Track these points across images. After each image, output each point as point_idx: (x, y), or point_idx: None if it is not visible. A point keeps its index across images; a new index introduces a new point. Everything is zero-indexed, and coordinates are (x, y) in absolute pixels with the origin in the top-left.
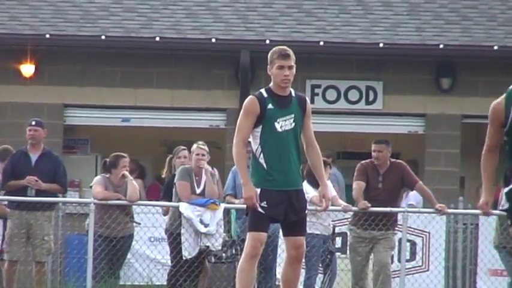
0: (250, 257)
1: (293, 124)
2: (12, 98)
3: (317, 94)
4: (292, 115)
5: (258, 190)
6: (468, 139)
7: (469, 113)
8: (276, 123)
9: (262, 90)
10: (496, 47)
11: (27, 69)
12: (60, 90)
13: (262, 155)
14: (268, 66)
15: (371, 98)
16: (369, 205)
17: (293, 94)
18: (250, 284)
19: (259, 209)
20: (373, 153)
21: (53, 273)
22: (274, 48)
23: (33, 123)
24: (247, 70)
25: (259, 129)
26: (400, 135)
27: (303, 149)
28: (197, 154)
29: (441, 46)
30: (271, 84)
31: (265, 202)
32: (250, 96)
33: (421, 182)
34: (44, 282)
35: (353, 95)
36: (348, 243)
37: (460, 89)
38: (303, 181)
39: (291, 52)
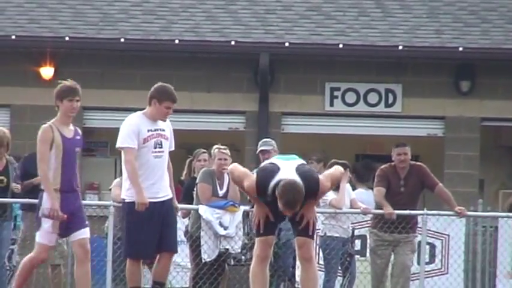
0: (260, 260)
1: None
2: (31, 100)
3: (336, 97)
4: None
5: None
6: (487, 142)
7: (489, 116)
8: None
9: None
10: None
11: (47, 71)
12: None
13: None
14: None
15: (390, 100)
16: (395, 212)
17: None
18: (264, 286)
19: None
20: (397, 157)
21: (72, 275)
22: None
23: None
24: (266, 73)
25: None
26: (419, 138)
27: None
28: (219, 159)
29: (460, 49)
30: None
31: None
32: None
33: (441, 184)
34: (61, 285)
35: (372, 98)
36: (369, 246)
37: (480, 91)
38: None
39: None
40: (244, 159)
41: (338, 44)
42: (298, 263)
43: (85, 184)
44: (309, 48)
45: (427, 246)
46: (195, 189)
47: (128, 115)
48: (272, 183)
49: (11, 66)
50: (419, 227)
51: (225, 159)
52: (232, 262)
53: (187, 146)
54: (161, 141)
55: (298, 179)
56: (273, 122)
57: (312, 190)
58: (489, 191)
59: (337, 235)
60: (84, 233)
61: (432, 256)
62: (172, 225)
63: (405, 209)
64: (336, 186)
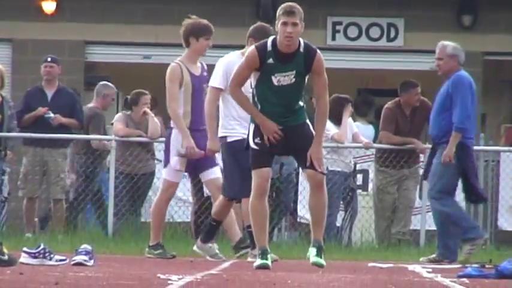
0: (258, 195)
1: (293, 80)
2: (33, 35)
3: (338, 31)
4: (294, 71)
5: (253, 125)
6: (489, 76)
7: (491, 50)
8: (273, 77)
9: (269, 42)
10: None
11: (49, 6)
12: (82, 27)
13: (256, 97)
14: (276, 22)
15: (392, 34)
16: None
17: (301, 49)
18: (265, 220)
19: (254, 146)
20: (415, 97)
21: (71, 210)
22: (282, 4)
23: (49, 59)
24: (268, 7)
25: (257, 74)
26: (421, 72)
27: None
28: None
29: None
30: (278, 38)
31: (258, 138)
32: (252, 48)
33: None
34: (63, 220)
35: (374, 32)
36: (376, 184)
37: (482, 26)
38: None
39: (297, 9)
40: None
41: None
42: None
43: None
44: None
45: None
46: None
47: (129, 49)
48: (270, 38)
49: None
50: (421, 161)
51: None
52: None
53: None
54: None
55: None
56: None
57: (310, 54)
58: (491, 125)
59: (339, 169)
60: (214, 173)
61: None
62: None
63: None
64: (338, 120)
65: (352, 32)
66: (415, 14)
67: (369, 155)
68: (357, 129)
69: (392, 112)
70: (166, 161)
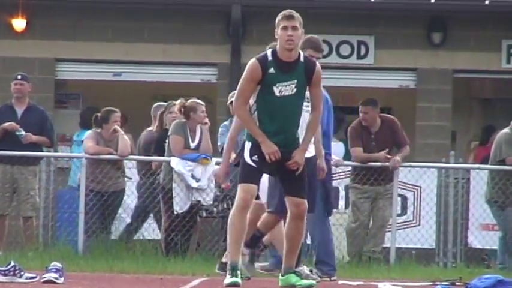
0: (240, 209)
1: (294, 90)
2: (3, 52)
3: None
4: (295, 81)
5: (249, 144)
6: (459, 93)
7: (461, 68)
8: (274, 88)
9: (268, 52)
10: (487, 1)
11: (19, 23)
12: (52, 44)
13: (256, 112)
14: (276, 30)
15: (362, 52)
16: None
17: (301, 59)
18: (241, 235)
19: (250, 162)
20: (360, 114)
21: (44, 227)
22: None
23: (19, 77)
24: (238, 25)
25: (258, 88)
26: (391, 90)
27: None
28: (202, 111)
29: (432, 0)
30: (278, 47)
31: (256, 156)
32: (253, 60)
33: (408, 147)
34: (33, 237)
35: (344, 50)
36: (350, 201)
37: (452, 43)
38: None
39: (295, 14)
40: (217, 111)
41: None
42: None
43: (57, 136)
44: (281, 0)
45: (399, 198)
46: (167, 141)
47: (99, 67)
48: (269, 50)
49: None
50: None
51: (204, 111)
52: (204, 214)
53: (159, 98)
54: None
55: None
56: None
57: (310, 64)
58: (461, 143)
59: None
60: None
61: (404, 208)
62: None
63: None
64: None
65: None
66: (385, 32)
67: (339, 173)
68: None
69: (356, 131)
70: None
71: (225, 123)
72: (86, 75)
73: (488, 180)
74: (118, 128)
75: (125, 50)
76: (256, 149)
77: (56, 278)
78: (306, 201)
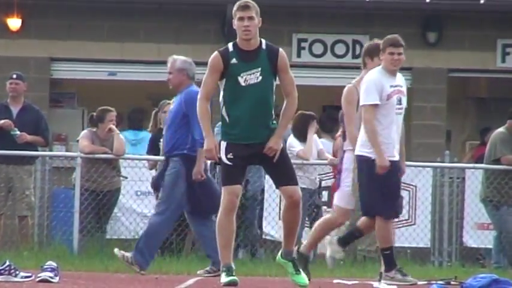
0: (227, 211)
1: (260, 78)
2: None
3: (303, 48)
4: (259, 68)
5: (224, 143)
6: (454, 93)
7: (456, 67)
8: (239, 78)
9: (229, 45)
10: (482, 1)
11: (14, 23)
12: (47, 44)
13: (224, 108)
14: (233, 21)
15: (358, 51)
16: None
17: (263, 47)
18: (231, 237)
19: (226, 161)
20: None
21: (39, 227)
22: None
23: (14, 76)
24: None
25: (223, 83)
26: None
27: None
28: None
29: (428, 0)
30: (237, 39)
31: (231, 154)
32: (214, 52)
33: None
34: (29, 236)
35: (340, 49)
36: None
37: (447, 42)
38: (288, 135)
39: (251, 3)
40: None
41: None
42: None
43: (52, 135)
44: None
45: None
46: (161, 140)
47: (94, 66)
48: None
49: None
50: None
51: None
52: None
53: (154, 97)
54: (401, 98)
55: None
56: None
57: (272, 51)
58: (456, 142)
59: (304, 186)
60: None
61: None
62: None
63: None
64: (303, 137)
65: (318, 49)
66: (380, 31)
67: (327, 173)
68: (322, 146)
69: None
70: (338, 185)
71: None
72: (81, 74)
73: (483, 179)
74: (113, 127)
75: (120, 49)
76: (230, 147)
77: (51, 277)
78: (298, 188)
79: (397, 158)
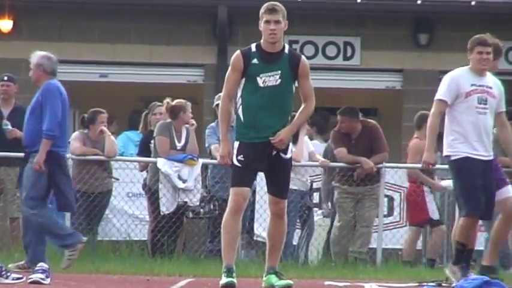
0: (234, 212)
1: (278, 80)
2: None
3: (295, 50)
4: (279, 72)
5: (237, 143)
6: None
7: (447, 69)
8: (258, 78)
9: (253, 45)
10: (473, 2)
11: (5, 24)
12: (38, 45)
13: (241, 108)
14: (259, 22)
15: (349, 53)
16: (372, 165)
17: (286, 51)
18: (235, 238)
19: (236, 163)
20: (339, 124)
21: None
22: (265, 4)
23: (5, 78)
24: (225, 26)
25: (242, 82)
26: (377, 91)
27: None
28: (190, 112)
29: (419, 1)
30: (262, 40)
31: (242, 155)
32: (236, 52)
33: (386, 153)
34: (20, 238)
35: (331, 51)
36: (334, 200)
37: (438, 44)
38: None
39: (279, 7)
40: (203, 112)
41: None
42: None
43: None
44: (267, 1)
45: (386, 199)
46: (152, 142)
47: (86, 68)
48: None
49: None
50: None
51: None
52: (190, 215)
53: (145, 99)
54: (486, 98)
55: None
56: None
57: (294, 57)
58: None
59: (295, 188)
60: (507, 192)
61: (390, 209)
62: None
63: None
64: (294, 139)
65: (309, 50)
66: (371, 33)
67: (318, 174)
68: (313, 148)
69: (337, 133)
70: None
71: (212, 124)
72: (73, 76)
73: None
74: (105, 128)
75: (112, 51)
76: (241, 149)
77: (42, 279)
78: (284, 201)
79: (483, 157)
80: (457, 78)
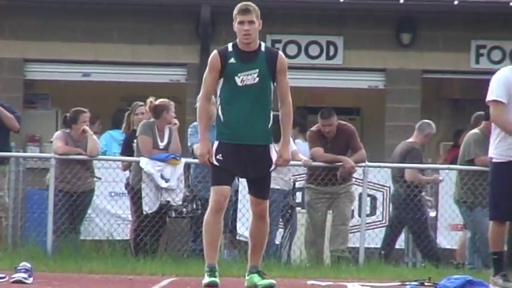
0: (215, 212)
1: (257, 79)
2: None
3: (277, 49)
4: (257, 70)
5: (216, 142)
6: (428, 94)
7: (429, 68)
8: (236, 78)
9: (229, 45)
10: (456, 2)
11: None
12: (21, 44)
13: (220, 107)
14: (233, 23)
15: (331, 53)
16: (353, 164)
17: (262, 49)
18: (217, 237)
19: (215, 162)
20: (322, 128)
21: (13, 228)
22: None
23: None
24: (207, 25)
25: (221, 82)
26: (360, 90)
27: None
28: (173, 111)
29: (401, 1)
30: (237, 39)
31: (220, 155)
32: (214, 51)
33: (363, 151)
34: (2, 237)
35: (313, 50)
36: (306, 201)
37: (420, 44)
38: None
39: (252, 7)
40: (186, 112)
41: None
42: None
43: (26, 136)
44: (250, 0)
45: (368, 198)
46: (135, 141)
47: (68, 67)
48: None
49: None
50: (360, 179)
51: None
52: (173, 214)
53: (128, 98)
54: None
55: None
56: None
57: (272, 51)
58: (430, 144)
59: (278, 187)
60: None
61: (373, 208)
62: None
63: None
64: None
65: (291, 50)
66: (354, 32)
67: (308, 173)
68: (295, 147)
69: (315, 134)
70: None
71: (194, 123)
72: (55, 75)
73: (457, 180)
74: (87, 128)
75: (94, 50)
76: (220, 148)
77: (25, 278)
78: (266, 201)
79: None
80: (506, 78)
